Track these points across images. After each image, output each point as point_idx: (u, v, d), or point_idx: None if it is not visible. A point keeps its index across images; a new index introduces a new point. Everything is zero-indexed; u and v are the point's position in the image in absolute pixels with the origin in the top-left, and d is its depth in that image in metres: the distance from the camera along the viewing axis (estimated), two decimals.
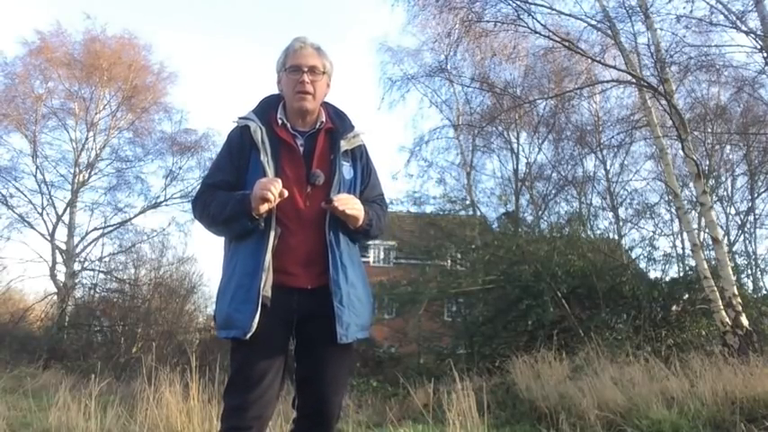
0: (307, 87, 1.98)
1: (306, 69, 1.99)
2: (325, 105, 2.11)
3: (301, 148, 1.99)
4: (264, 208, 1.81)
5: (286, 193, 1.82)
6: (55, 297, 18.26)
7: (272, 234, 1.87)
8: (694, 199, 10.70)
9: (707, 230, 10.33)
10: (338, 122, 2.08)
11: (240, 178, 1.95)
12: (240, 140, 1.99)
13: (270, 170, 1.90)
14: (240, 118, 2.03)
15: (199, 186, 2.08)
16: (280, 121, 2.01)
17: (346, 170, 2.02)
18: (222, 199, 1.91)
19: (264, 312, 1.83)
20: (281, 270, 1.88)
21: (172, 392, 4.12)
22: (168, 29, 43.33)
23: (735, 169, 15.39)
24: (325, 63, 2.05)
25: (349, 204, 1.89)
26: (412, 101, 35.99)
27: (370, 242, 2.16)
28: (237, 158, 1.98)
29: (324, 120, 2.05)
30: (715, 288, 8.13)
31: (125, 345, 15.25)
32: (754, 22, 8.53)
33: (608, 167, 15.75)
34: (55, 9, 39.76)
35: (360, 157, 2.09)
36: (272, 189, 1.78)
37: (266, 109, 2.05)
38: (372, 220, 1.99)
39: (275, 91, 2.12)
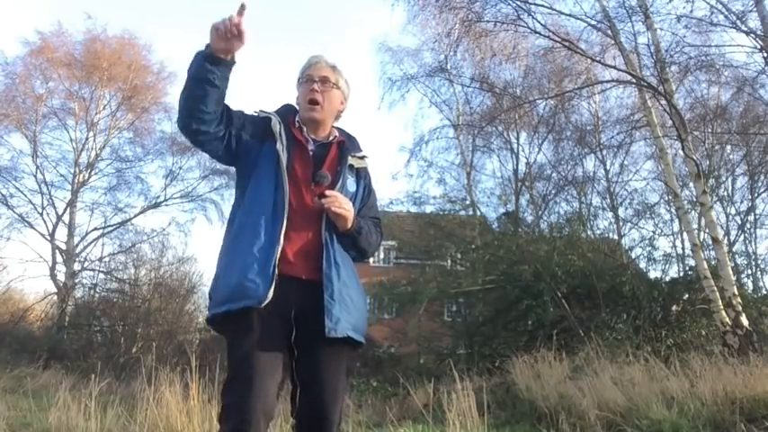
0: (316, 96, 2.04)
1: (317, 79, 2.07)
2: (338, 128, 2.18)
3: (311, 152, 2.06)
4: (221, 45, 1.76)
5: (237, 20, 1.76)
6: (55, 297, 18.27)
7: (285, 217, 1.90)
8: (694, 199, 10.71)
9: (707, 230, 10.34)
10: (348, 142, 2.16)
11: (249, 162, 1.97)
12: (260, 120, 2.03)
13: (283, 159, 1.95)
14: (261, 111, 2.09)
15: None
16: (297, 124, 2.09)
17: (350, 183, 2.09)
18: None
19: (271, 297, 1.83)
20: (281, 257, 1.90)
21: (172, 392, 4.12)
22: (168, 29, 43.36)
23: (735, 169, 15.38)
24: (339, 79, 2.12)
25: (336, 203, 1.91)
26: (412, 101, 36.04)
27: (357, 256, 2.10)
28: (251, 122, 2.01)
29: (337, 135, 2.14)
30: (715, 288, 8.13)
31: (125, 345, 15.26)
32: (754, 22, 8.56)
33: (608, 167, 15.75)
34: (56, 9, 39.79)
35: (364, 177, 2.17)
36: (225, 18, 1.73)
37: (285, 113, 2.12)
38: (363, 228, 2.01)
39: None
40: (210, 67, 1.79)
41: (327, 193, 1.91)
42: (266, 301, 1.81)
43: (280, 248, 1.87)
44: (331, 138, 2.12)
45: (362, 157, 2.17)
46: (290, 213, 1.93)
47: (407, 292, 14.37)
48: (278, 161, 1.95)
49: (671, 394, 5.37)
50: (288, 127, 2.06)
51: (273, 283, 1.83)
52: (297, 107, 2.16)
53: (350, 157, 2.10)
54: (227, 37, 1.77)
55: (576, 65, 12.32)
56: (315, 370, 1.93)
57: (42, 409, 5.05)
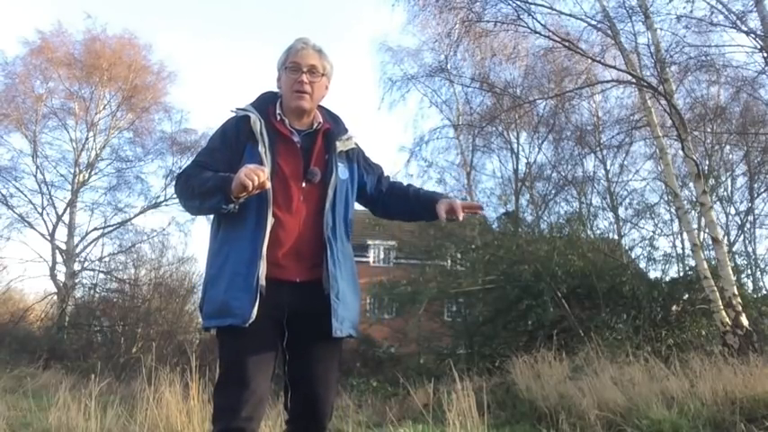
0: (305, 87, 1.99)
1: (305, 69, 2.00)
2: (321, 108, 2.12)
3: (298, 145, 2.00)
4: (243, 195, 1.77)
5: (268, 185, 1.79)
6: (55, 297, 18.28)
7: (269, 223, 1.86)
8: (694, 199, 10.70)
9: (707, 230, 10.33)
10: (333, 125, 2.10)
11: (232, 169, 1.90)
12: (236, 130, 1.98)
13: (267, 162, 1.90)
14: (239, 109, 2.03)
15: (188, 163, 2.06)
16: (278, 117, 2.02)
17: (341, 170, 2.04)
18: (207, 174, 1.88)
19: (261, 302, 1.82)
20: (271, 262, 1.87)
21: (172, 392, 4.12)
22: (168, 29, 43.37)
23: (734, 169, 15.39)
24: (326, 65, 2.06)
25: (461, 214, 2.02)
26: (412, 101, 36.09)
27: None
28: (230, 148, 1.96)
29: (321, 121, 2.07)
30: (715, 288, 8.13)
31: (125, 345, 15.25)
32: (754, 22, 8.56)
33: (608, 167, 15.75)
34: (56, 9, 39.79)
35: (354, 158, 2.12)
36: (254, 177, 1.72)
37: (265, 104, 2.05)
38: (433, 192, 2.19)
39: (275, 89, 2.14)
40: (225, 206, 1.84)
41: (457, 216, 2.01)
42: (251, 320, 1.80)
43: (262, 262, 1.84)
44: (315, 125, 2.05)
45: (348, 138, 2.11)
46: (278, 214, 1.89)
47: (407, 292, 14.36)
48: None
49: (671, 394, 5.37)
50: (268, 120, 1.99)
51: (258, 301, 1.81)
52: (276, 93, 2.10)
53: (337, 143, 2.04)
54: (249, 191, 1.76)
55: (576, 65, 12.30)
56: (309, 366, 1.93)
57: (42, 409, 5.05)
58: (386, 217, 2.31)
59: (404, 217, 2.30)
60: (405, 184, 2.27)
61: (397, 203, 2.21)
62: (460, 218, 2.02)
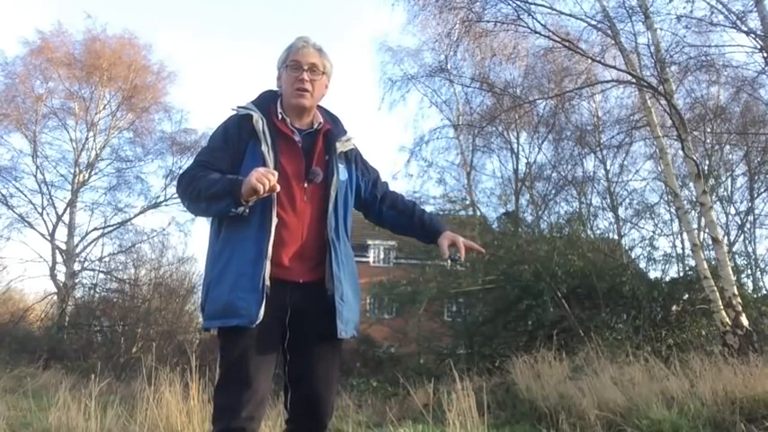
0: (305, 85, 1.99)
1: (306, 67, 2.00)
2: (320, 108, 2.12)
3: (300, 144, 2.00)
4: (253, 198, 1.77)
5: (278, 188, 1.77)
6: (55, 297, 18.28)
7: (273, 223, 1.86)
8: (694, 199, 10.71)
9: (707, 230, 10.34)
10: (333, 125, 2.10)
11: (234, 167, 1.90)
12: (238, 129, 1.96)
13: (270, 161, 1.89)
14: (241, 107, 2.03)
15: (191, 162, 2.04)
16: (279, 116, 2.02)
17: (341, 172, 2.04)
18: (214, 176, 1.85)
19: (265, 303, 1.81)
20: (275, 262, 1.86)
21: (172, 392, 4.12)
22: (168, 29, 43.38)
23: (734, 169, 15.38)
24: (326, 63, 2.06)
25: (463, 251, 2.12)
26: (412, 101, 36.10)
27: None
28: (233, 146, 1.95)
29: (321, 121, 2.07)
30: (715, 288, 8.13)
31: (125, 345, 15.26)
32: (754, 22, 8.56)
33: (608, 167, 15.72)
34: (56, 8, 39.80)
35: (353, 159, 2.12)
36: (266, 182, 1.72)
37: (266, 102, 2.05)
38: (439, 220, 2.28)
39: (275, 88, 2.14)
40: (235, 210, 1.82)
41: (460, 254, 2.11)
42: (258, 321, 1.79)
43: (268, 263, 1.83)
44: (316, 125, 2.05)
45: (348, 140, 2.11)
46: (281, 214, 1.89)
47: (407, 292, 14.38)
48: (264, 165, 1.87)
49: (671, 394, 5.37)
50: (270, 119, 1.99)
51: (264, 301, 1.80)
52: (277, 92, 2.10)
53: (337, 144, 2.05)
54: (260, 194, 1.76)
55: (576, 65, 12.29)
56: (310, 365, 1.93)
57: (42, 409, 5.05)
58: (378, 223, 2.29)
59: (396, 230, 2.29)
60: (408, 199, 2.28)
61: (397, 217, 2.22)
62: (462, 257, 2.10)
